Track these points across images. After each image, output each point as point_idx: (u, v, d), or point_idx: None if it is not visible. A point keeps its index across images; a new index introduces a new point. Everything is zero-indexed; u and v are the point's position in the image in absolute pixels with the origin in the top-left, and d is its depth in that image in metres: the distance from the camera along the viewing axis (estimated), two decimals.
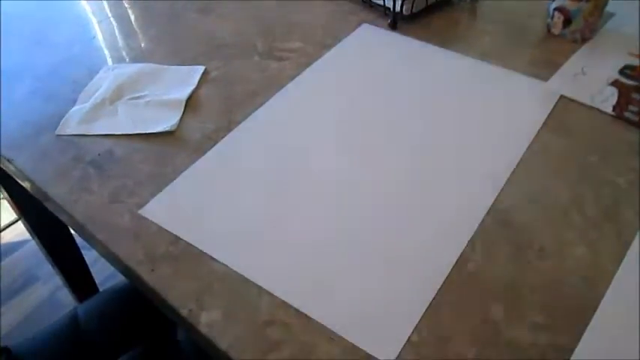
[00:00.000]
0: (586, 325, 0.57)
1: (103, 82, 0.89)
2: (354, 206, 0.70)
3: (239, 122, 0.81)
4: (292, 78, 0.88)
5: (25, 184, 0.80)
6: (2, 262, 1.90)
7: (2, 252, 1.93)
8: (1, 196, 1.32)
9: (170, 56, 0.95)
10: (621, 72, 0.86)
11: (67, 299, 1.69)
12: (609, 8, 0.93)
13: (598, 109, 0.80)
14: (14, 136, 0.82)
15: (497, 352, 0.55)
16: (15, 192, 1.18)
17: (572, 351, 0.55)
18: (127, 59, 0.95)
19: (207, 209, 0.70)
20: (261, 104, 0.84)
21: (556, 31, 0.93)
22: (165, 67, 0.92)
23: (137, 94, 0.86)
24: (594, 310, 0.58)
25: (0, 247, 1.95)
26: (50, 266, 1.47)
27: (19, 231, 1.96)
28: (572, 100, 0.82)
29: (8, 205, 1.27)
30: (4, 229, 2.00)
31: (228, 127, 0.80)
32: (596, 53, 0.90)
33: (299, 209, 0.70)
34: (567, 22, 0.91)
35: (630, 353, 0.55)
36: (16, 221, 1.99)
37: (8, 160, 0.79)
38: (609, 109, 0.80)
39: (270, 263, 0.64)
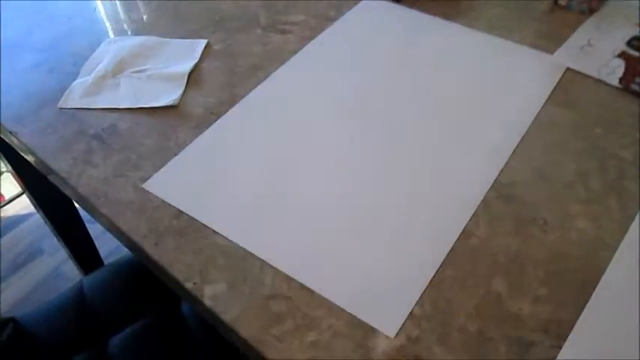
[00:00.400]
0: (588, 297, 0.57)
1: (105, 55, 0.89)
2: (358, 180, 0.69)
3: (242, 96, 0.81)
4: (295, 52, 0.87)
5: (29, 158, 0.80)
6: (8, 235, 1.91)
7: (8, 225, 1.94)
8: (6, 169, 1.33)
9: (172, 29, 0.94)
10: (629, 43, 0.85)
11: (71, 273, 1.71)
12: None
13: (604, 82, 0.79)
14: (17, 109, 0.82)
15: (499, 324, 0.56)
16: (19, 165, 1.18)
17: (574, 323, 0.55)
18: (129, 32, 0.95)
19: (211, 183, 0.70)
20: (264, 78, 0.83)
21: (563, 2, 0.92)
22: (167, 40, 0.91)
23: (139, 68, 0.86)
24: (597, 283, 0.58)
25: (1, 220, 1.95)
26: (55, 239, 1.47)
27: (25, 204, 1.96)
28: (579, 73, 0.81)
29: (13, 178, 1.27)
30: (9, 202, 2.01)
31: (231, 102, 0.80)
32: (603, 25, 0.89)
33: (302, 183, 0.70)
34: None
35: (632, 326, 0.55)
36: (21, 194, 2.00)
37: (12, 134, 0.79)
38: (616, 82, 0.79)
39: (273, 237, 0.64)
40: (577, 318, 0.56)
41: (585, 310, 0.56)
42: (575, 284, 0.58)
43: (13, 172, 1.21)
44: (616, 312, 0.56)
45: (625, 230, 0.63)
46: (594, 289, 0.58)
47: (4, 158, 1.17)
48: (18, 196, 2.01)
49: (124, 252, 0.89)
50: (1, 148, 1.12)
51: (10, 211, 1.99)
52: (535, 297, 0.58)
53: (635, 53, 0.83)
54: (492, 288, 0.58)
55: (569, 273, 0.59)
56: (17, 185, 1.50)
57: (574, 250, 0.61)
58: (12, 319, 0.98)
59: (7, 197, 2.02)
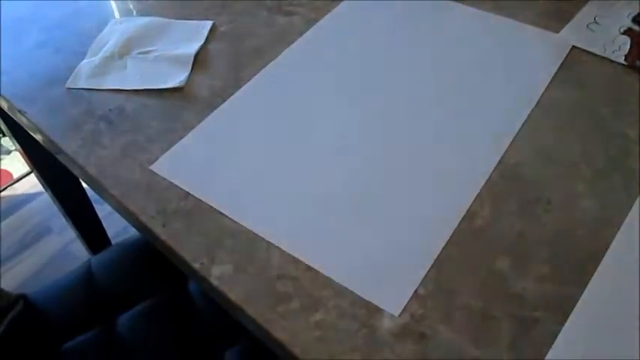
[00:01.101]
0: (591, 276, 0.58)
1: (112, 36, 0.89)
2: (363, 161, 0.70)
3: (248, 79, 0.81)
4: (301, 34, 0.87)
5: (38, 137, 0.81)
6: (17, 213, 1.92)
7: (17, 203, 1.95)
8: (15, 147, 1.34)
9: (178, 10, 0.94)
10: (634, 20, 0.84)
11: (79, 252, 1.72)
12: None
13: (610, 59, 0.79)
14: (25, 88, 0.83)
15: (503, 303, 0.56)
16: (27, 144, 1.19)
17: (577, 301, 0.56)
18: (135, 12, 0.95)
19: (217, 166, 0.71)
20: (270, 60, 0.83)
21: None
22: (173, 21, 0.91)
23: (146, 49, 0.86)
24: (599, 262, 0.59)
25: (10, 198, 1.97)
26: (63, 219, 1.49)
27: (33, 182, 1.97)
28: (584, 51, 0.81)
29: (21, 156, 1.28)
30: (17, 180, 2.02)
31: (237, 84, 0.80)
32: (609, 2, 0.88)
33: (307, 165, 0.70)
34: None
35: (634, 303, 0.56)
36: (30, 173, 2.01)
37: (21, 113, 0.80)
38: (621, 59, 0.79)
39: (279, 219, 0.65)
40: (580, 296, 0.56)
41: (588, 287, 0.57)
42: (578, 262, 0.59)
43: (22, 150, 1.22)
44: (619, 290, 0.57)
45: (629, 209, 0.63)
46: (597, 268, 0.58)
47: (12, 137, 1.17)
48: (27, 174, 2.02)
49: (132, 232, 0.90)
50: (9, 126, 1.13)
51: (19, 189, 2.00)
52: (538, 275, 0.58)
53: None
54: (496, 267, 0.59)
55: (573, 251, 0.60)
56: (26, 164, 1.51)
57: (577, 229, 0.62)
58: (22, 296, 0.99)
59: (15, 176, 2.03)
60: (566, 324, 0.54)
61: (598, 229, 0.62)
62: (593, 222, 0.62)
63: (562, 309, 0.56)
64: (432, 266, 0.59)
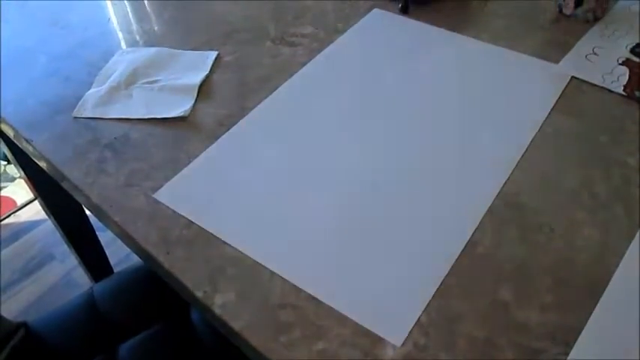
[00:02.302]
0: (595, 305, 0.58)
1: (118, 66, 0.90)
2: (365, 190, 0.70)
3: (251, 108, 0.82)
4: (304, 64, 0.88)
5: (42, 165, 0.81)
6: (20, 240, 1.92)
7: (20, 230, 1.95)
8: (19, 175, 1.34)
9: (183, 41, 0.95)
10: (632, 51, 0.85)
11: (82, 279, 1.71)
12: None
13: (609, 90, 0.80)
14: (32, 116, 0.84)
15: (506, 332, 0.56)
16: (32, 171, 1.20)
17: (581, 331, 0.56)
18: (141, 43, 0.96)
19: (220, 194, 0.71)
20: (274, 90, 0.84)
21: (567, 11, 0.92)
22: (179, 51, 0.92)
23: (151, 79, 0.87)
24: (603, 290, 0.59)
25: (14, 225, 1.97)
26: (66, 246, 1.48)
27: (37, 210, 1.98)
28: (583, 81, 0.82)
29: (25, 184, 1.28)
30: (21, 207, 2.02)
31: (241, 113, 0.81)
32: (607, 32, 0.90)
33: (310, 194, 0.70)
34: (579, 1, 0.90)
35: (638, 333, 0.56)
36: (34, 200, 2.01)
37: (27, 141, 0.80)
38: (620, 89, 0.80)
39: (282, 248, 0.65)
40: (584, 325, 0.56)
41: (592, 317, 0.57)
42: (581, 291, 0.59)
43: (26, 178, 1.23)
44: (623, 319, 0.57)
45: (631, 237, 0.63)
46: (601, 297, 0.58)
47: (17, 164, 1.18)
48: (30, 202, 2.02)
49: (134, 260, 0.90)
50: (15, 154, 1.13)
51: (22, 216, 2.00)
52: (542, 305, 0.58)
53: (639, 60, 0.83)
54: (499, 296, 0.59)
55: (576, 280, 0.60)
56: (29, 191, 1.51)
57: (580, 258, 0.62)
58: (23, 324, 0.99)
59: (19, 203, 2.04)
60: (570, 355, 0.54)
61: (600, 256, 0.62)
62: (595, 250, 0.62)
63: (566, 338, 0.56)
64: (434, 295, 0.59)
